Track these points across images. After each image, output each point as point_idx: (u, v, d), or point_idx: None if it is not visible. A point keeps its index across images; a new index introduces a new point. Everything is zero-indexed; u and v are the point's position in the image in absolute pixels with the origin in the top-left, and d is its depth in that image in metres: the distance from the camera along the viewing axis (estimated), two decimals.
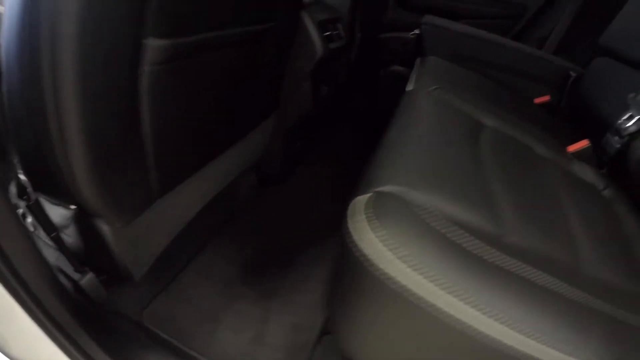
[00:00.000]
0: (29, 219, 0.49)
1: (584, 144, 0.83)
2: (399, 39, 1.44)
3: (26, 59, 0.41)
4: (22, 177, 0.44)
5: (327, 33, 1.08)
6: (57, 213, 0.53)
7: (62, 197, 0.51)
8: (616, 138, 0.83)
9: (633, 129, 0.80)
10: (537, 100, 1.14)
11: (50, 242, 0.53)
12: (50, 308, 0.46)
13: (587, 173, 0.81)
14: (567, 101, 1.18)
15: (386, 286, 0.39)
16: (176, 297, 0.78)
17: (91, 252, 0.58)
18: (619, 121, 0.83)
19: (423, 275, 0.37)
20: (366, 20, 1.39)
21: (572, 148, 0.83)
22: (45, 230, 0.51)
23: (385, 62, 1.43)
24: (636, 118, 0.80)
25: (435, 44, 1.29)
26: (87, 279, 0.58)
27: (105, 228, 0.55)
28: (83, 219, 0.54)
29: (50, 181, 0.48)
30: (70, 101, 0.42)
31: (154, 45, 0.47)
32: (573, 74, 1.17)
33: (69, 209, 0.53)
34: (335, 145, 0.82)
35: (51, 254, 0.59)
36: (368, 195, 0.44)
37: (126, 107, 0.48)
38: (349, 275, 0.44)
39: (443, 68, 1.10)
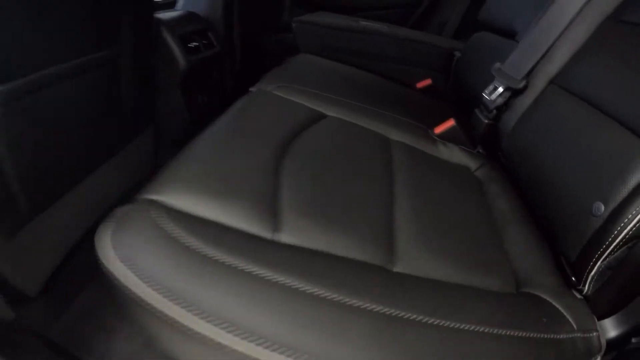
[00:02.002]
0: None
1: (449, 124, 0.82)
2: (281, 39, 1.42)
3: None
4: None
5: (194, 44, 1.06)
6: None
7: None
8: (485, 113, 0.81)
9: (500, 101, 0.77)
10: (419, 85, 1.13)
11: None
12: None
13: (455, 154, 0.80)
14: (451, 82, 1.18)
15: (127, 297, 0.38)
16: (79, 311, 0.79)
17: None
18: (484, 94, 0.82)
19: (151, 286, 0.36)
20: (248, 25, 1.37)
21: (438, 130, 0.82)
22: None
23: (267, 65, 1.39)
24: (500, 89, 0.77)
25: (308, 41, 1.27)
26: None
27: None
28: None
29: None
30: None
31: None
32: (457, 54, 1.18)
33: None
34: None
35: None
36: (124, 208, 0.43)
37: None
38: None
39: (305, 64, 1.09)
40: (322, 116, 0.76)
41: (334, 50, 1.22)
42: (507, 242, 0.58)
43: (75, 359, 0.70)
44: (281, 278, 0.38)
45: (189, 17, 1.12)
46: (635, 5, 0.61)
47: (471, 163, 0.79)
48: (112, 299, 0.42)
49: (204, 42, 1.09)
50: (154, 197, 0.45)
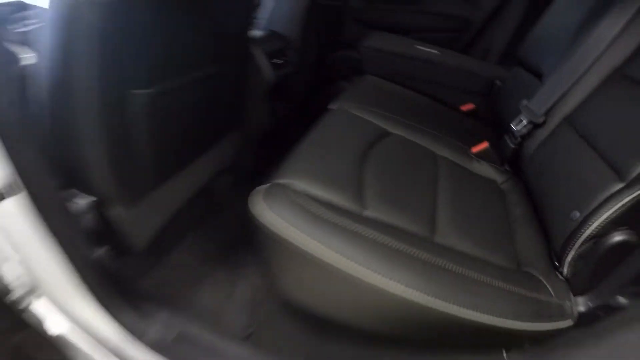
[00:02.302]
0: None
1: (484, 145, 1.02)
2: (346, 57, 1.65)
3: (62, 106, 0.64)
4: None
5: (278, 61, 1.30)
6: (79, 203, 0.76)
7: (87, 191, 0.72)
8: (512, 139, 1.02)
9: (524, 131, 0.98)
10: (463, 108, 1.33)
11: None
12: (87, 275, 0.64)
13: (486, 169, 1.00)
14: (489, 107, 1.38)
15: (294, 248, 0.61)
16: (168, 267, 1.02)
17: (105, 232, 0.79)
18: (512, 125, 1.03)
19: (297, 230, 0.60)
20: (319, 43, 1.60)
21: (475, 149, 1.02)
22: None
23: (333, 80, 1.65)
24: (525, 122, 0.98)
25: (372, 64, 1.51)
26: (103, 252, 0.77)
27: (117, 212, 0.77)
28: (100, 207, 0.75)
29: (81, 180, 0.70)
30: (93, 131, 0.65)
31: (136, 93, 0.69)
32: (498, 83, 1.37)
33: (90, 200, 0.73)
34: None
35: None
36: (265, 185, 0.68)
37: (123, 132, 0.71)
38: (266, 244, 0.67)
39: (372, 85, 1.32)
40: (388, 133, 0.99)
41: (394, 73, 1.44)
42: (516, 236, 0.79)
43: (167, 304, 0.91)
44: (373, 233, 0.62)
45: (273, 36, 1.36)
46: (638, 62, 0.79)
47: (498, 177, 0.99)
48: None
49: (284, 59, 1.33)
50: (283, 181, 0.69)
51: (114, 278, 0.75)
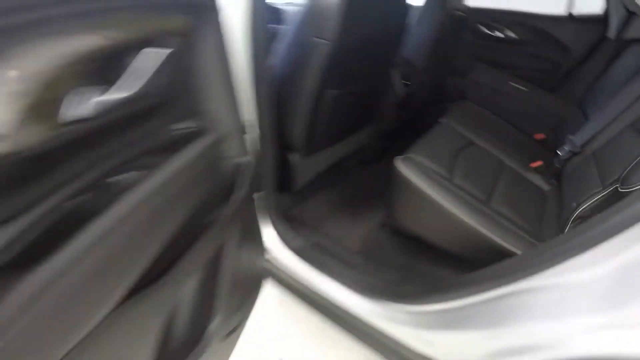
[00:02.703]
0: None
1: (539, 163, 1.53)
2: (455, 84, 2.18)
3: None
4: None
5: (407, 82, 1.86)
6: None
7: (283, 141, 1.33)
8: (558, 162, 1.53)
9: (566, 157, 1.50)
10: (536, 136, 1.80)
11: None
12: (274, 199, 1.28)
13: (537, 180, 1.49)
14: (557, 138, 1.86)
15: (416, 191, 1.18)
16: (310, 205, 1.64)
17: (284, 170, 1.38)
18: (558, 151, 1.53)
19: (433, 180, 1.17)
20: (437, 71, 2.15)
21: (532, 165, 1.52)
22: None
23: (443, 100, 2.20)
24: (567, 150, 1.49)
25: (474, 92, 2.08)
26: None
27: (296, 159, 1.38)
28: (288, 152, 1.36)
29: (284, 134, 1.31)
30: (302, 109, 1.26)
31: (330, 92, 1.30)
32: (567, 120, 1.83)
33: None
34: (407, 144, 1.53)
35: None
36: (403, 156, 1.25)
37: (317, 112, 1.30)
38: (397, 189, 1.24)
39: (468, 109, 1.87)
40: (473, 143, 1.54)
41: (488, 101, 1.98)
42: (544, 222, 1.30)
43: (311, 226, 1.52)
44: (460, 192, 1.18)
45: (405, 62, 1.92)
46: None
47: (545, 187, 1.48)
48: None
49: (411, 81, 1.89)
50: (413, 155, 1.26)
51: (279, 202, 1.34)
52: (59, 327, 0.44)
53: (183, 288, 0.73)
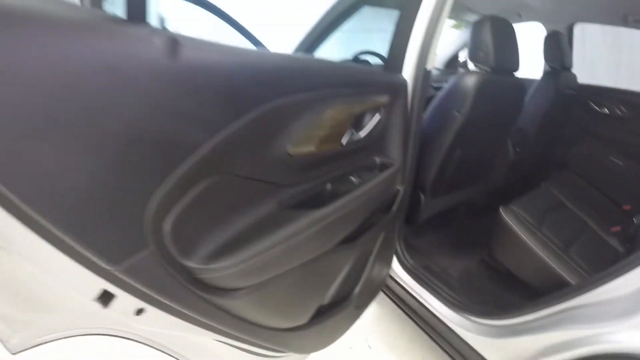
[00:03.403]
0: None
1: (617, 228, 1.83)
2: (561, 153, 2.55)
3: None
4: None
5: (517, 149, 2.25)
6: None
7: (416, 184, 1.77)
8: (635, 227, 1.83)
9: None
10: (624, 207, 2.07)
11: None
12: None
13: (615, 242, 1.79)
14: None
15: (510, 233, 1.58)
16: (427, 237, 2.00)
17: (414, 206, 1.78)
18: (634, 219, 1.80)
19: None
20: (547, 139, 2.48)
21: (612, 230, 1.82)
22: None
23: (548, 167, 2.54)
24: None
25: (576, 162, 2.44)
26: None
27: (425, 199, 1.81)
28: (420, 193, 1.82)
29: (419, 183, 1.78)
30: (434, 161, 1.72)
31: (457, 151, 1.74)
32: None
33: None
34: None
35: None
36: (508, 207, 1.65)
37: (444, 166, 1.75)
38: (498, 231, 1.63)
39: (567, 177, 2.25)
40: (566, 206, 1.86)
41: (587, 172, 2.32)
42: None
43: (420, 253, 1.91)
44: (546, 240, 1.55)
45: (518, 130, 2.28)
46: None
47: (620, 248, 1.78)
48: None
49: (521, 148, 2.27)
50: (514, 207, 1.64)
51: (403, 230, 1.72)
52: (294, 253, 0.90)
53: (351, 257, 1.23)
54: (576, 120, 2.59)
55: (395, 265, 1.66)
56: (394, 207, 1.29)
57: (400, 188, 1.32)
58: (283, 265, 0.87)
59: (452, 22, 3.76)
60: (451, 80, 1.65)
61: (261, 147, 0.75)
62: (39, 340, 0.72)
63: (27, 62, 0.45)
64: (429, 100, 1.74)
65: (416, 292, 1.62)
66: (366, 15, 2.09)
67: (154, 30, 0.56)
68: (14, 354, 0.71)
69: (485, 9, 2.78)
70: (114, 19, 0.55)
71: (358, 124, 1.02)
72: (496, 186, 2.26)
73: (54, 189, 0.51)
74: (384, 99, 1.10)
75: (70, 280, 0.58)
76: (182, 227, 0.65)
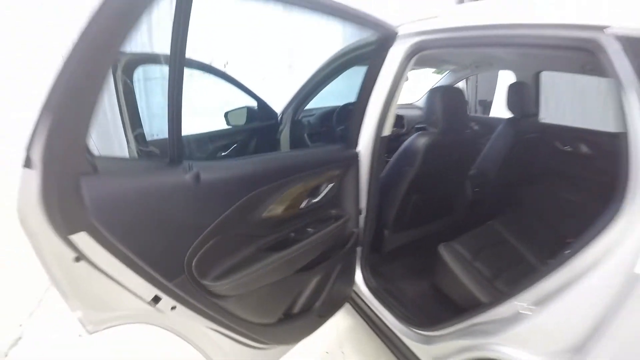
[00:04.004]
0: None
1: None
2: (517, 191, 3.13)
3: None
4: None
5: (477, 189, 2.86)
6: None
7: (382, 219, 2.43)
8: None
9: None
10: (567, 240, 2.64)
11: None
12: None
13: None
14: None
15: (444, 266, 2.14)
16: (391, 265, 2.60)
17: (378, 240, 2.49)
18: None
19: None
20: (508, 179, 2.97)
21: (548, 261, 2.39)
22: None
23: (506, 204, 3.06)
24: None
25: (531, 199, 3.02)
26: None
27: (387, 234, 2.44)
28: (385, 229, 2.45)
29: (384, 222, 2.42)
30: (393, 206, 2.36)
31: (413, 196, 2.38)
32: None
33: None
34: None
35: None
36: (446, 243, 2.22)
37: (402, 208, 2.40)
38: (438, 263, 2.17)
39: (517, 215, 2.74)
40: (508, 241, 2.46)
41: (540, 209, 2.88)
42: None
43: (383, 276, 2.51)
44: (477, 271, 2.15)
45: (478, 172, 2.88)
46: None
47: None
48: None
49: (481, 190, 2.86)
50: (453, 243, 2.19)
51: (369, 258, 2.26)
52: (266, 277, 1.52)
53: (311, 280, 1.83)
54: (538, 160, 3.04)
55: (363, 286, 2.20)
56: (348, 245, 1.89)
57: (355, 230, 1.96)
58: (259, 284, 1.46)
59: (432, 69, 4.53)
60: (406, 140, 2.27)
61: (247, 216, 1.40)
62: (107, 325, 1.38)
63: (124, 193, 1.10)
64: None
65: (376, 309, 2.12)
66: (354, 73, 2.74)
67: (185, 167, 1.20)
68: (91, 333, 1.37)
69: (461, 60, 3.43)
70: (163, 166, 1.22)
71: (315, 192, 1.64)
72: (457, 222, 2.75)
73: (145, 243, 1.15)
74: (336, 172, 1.70)
75: (135, 289, 1.20)
76: (201, 263, 1.25)
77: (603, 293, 1.10)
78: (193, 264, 1.23)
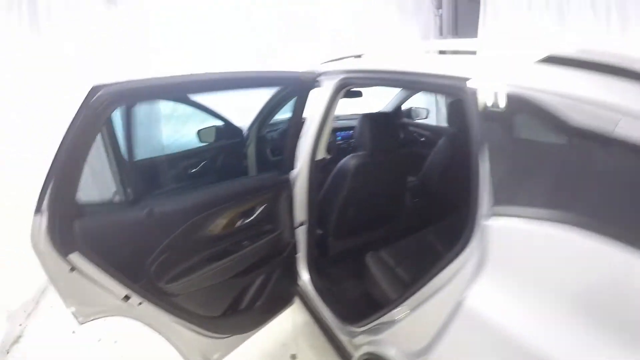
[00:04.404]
0: None
1: None
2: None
3: None
4: None
5: (416, 199, 3.54)
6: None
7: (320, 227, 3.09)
8: None
9: None
10: None
11: None
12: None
13: None
14: None
15: (372, 275, 2.86)
16: (335, 267, 3.23)
17: (322, 247, 3.13)
18: None
19: None
20: (449, 188, 3.64)
21: None
22: None
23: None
24: None
25: None
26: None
27: (330, 241, 3.14)
28: (328, 236, 3.12)
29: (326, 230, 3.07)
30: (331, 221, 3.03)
31: (350, 209, 3.04)
32: None
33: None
34: None
35: None
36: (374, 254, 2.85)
37: (339, 221, 3.09)
38: (367, 272, 2.68)
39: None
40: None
41: None
42: None
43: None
44: None
45: (418, 183, 3.54)
46: None
47: None
48: None
49: (419, 199, 3.53)
50: (379, 252, 2.78)
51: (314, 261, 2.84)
52: (207, 280, 2.14)
53: (252, 282, 2.41)
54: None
55: (310, 286, 2.59)
56: (285, 253, 2.47)
57: (292, 240, 2.61)
58: (202, 285, 2.03)
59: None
60: (341, 160, 2.83)
61: (191, 235, 1.96)
62: (93, 317, 2.04)
63: (102, 227, 1.84)
64: None
65: (319, 306, 2.53)
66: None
67: (143, 206, 1.83)
68: (81, 324, 2.06)
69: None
70: (128, 206, 1.90)
71: (250, 213, 2.25)
72: (398, 229, 3.09)
73: (117, 258, 1.74)
74: (269, 195, 2.29)
75: (112, 290, 1.77)
76: (158, 270, 1.83)
77: (443, 310, 1.41)
78: (152, 271, 1.89)
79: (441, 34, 6.02)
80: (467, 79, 1.44)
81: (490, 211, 1.31)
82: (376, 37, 5.72)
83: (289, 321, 3.15)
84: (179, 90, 2.09)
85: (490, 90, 1.34)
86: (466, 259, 1.37)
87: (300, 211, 2.60)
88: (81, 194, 1.56)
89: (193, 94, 2.27)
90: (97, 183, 1.88)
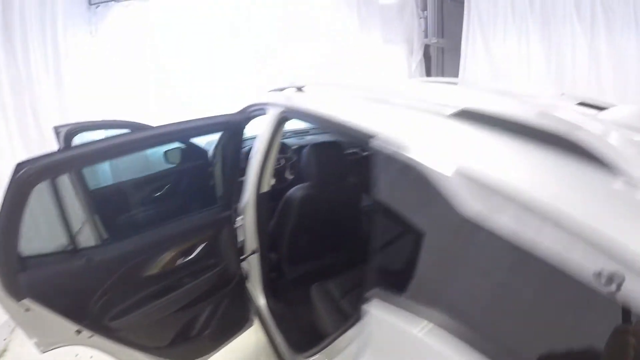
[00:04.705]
0: None
1: None
2: None
3: None
4: None
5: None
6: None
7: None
8: None
9: None
10: None
11: None
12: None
13: None
14: None
15: (316, 306, 3.17)
16: (291, 292, 3.41)
17: (277, 273, 3.51)
18: None
19: None
20: None
21: None
22: None
23: None
24: None
25: None
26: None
27: (284, 266, 3.47)
28: (283, 263, 3.44)
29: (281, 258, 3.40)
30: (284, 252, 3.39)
31: (303, 237, 3.39)
32: None
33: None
34: None
35: None
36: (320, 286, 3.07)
37: (291, 251, 3.43)
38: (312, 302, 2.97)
39: None
40: None
41: None
42: None
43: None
44: None
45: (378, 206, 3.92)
46: None
47: None
48: None
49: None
50: (324, 283, 3.15)
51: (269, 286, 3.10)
52: (152, 316, 2.50)
53: (200, 313, 2.79)
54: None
55: (265, 311, 2.73)
56: (232, 284, 2.77)
57: (238, 271, 2.89)
58: (146, 320, 2.36)
59: None
60: (288, 192, 3.09)
61: (129, 277, 2.28)
62: (53, 347, 2.44)
63: (46, 276, 2.23)
64: None
65: (273, 331, 2.67)
66: None
67: (81, 255, 2.21)
68: (43, 352, 2.44)
69: None
70: (68, 256, 2.28)
71: (191, 251, 2.62)
72: (351, 257, 3.23)
73: (64, 300, 2.13)
74: (210, 232, 2.63)
75: (64, 325, 2.17)
76: (101, 309, 2.19)
77: None
78: (95, 310, 2.26)
79: (426, 36, 6.28)
80: (372, 136, 1.55)
81: None
82: (363, 40, 6.14)
83: (253, 341, 3.45)
84: (101, 158, 2.45)
85: (383, 152, 1.50)
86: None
87: (250, 240, 2.87)
88: (25, 248, 1.88)
89: (117, 157, 2.75)
90: (39, 237, 2.30)
